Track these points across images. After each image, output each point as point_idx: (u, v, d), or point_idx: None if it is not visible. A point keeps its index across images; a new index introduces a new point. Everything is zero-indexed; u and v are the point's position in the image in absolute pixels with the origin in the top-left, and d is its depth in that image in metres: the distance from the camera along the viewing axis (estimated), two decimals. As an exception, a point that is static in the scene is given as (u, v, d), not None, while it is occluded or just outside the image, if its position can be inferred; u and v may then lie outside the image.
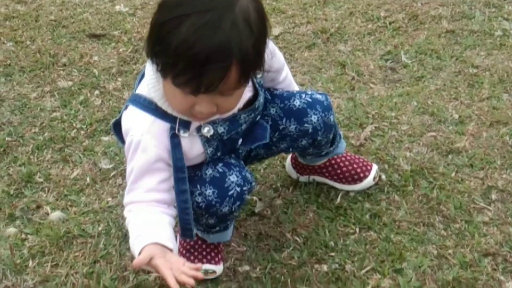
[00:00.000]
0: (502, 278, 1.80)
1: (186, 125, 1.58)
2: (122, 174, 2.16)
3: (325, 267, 1.85)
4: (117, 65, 2.76)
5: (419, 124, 2.34)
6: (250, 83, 1.63)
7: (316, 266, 1.85)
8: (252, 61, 1.45)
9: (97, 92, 2.60)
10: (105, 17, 3.13)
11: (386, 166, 2.16)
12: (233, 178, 1.64)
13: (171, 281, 1.40)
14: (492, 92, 2.48)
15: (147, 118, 1.57)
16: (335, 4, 3.12)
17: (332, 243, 1.91)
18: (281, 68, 1.86)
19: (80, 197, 2.10)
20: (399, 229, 1.95)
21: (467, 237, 1.91)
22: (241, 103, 1.62)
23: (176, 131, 1.57)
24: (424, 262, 1.84)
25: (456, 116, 2.37)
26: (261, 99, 1.70)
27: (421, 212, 2.00)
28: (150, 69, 1.55)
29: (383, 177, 2.12)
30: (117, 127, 1.68)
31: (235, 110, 1.61)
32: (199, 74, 1.40)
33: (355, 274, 1.82)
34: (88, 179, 2.17)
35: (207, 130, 1.61)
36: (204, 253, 1.83)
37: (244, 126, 1.68)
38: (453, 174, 2.12)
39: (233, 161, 1.69)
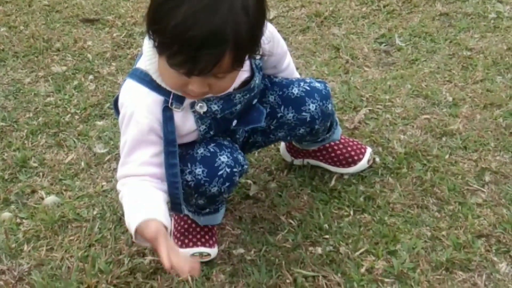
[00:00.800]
0: (495, 259, 1.80)
1: (180, 99, 1.58)
2: (117, 159, 2.16)
3: (319, 250, 1.85)
4: (111, 49, 2.76)
5: (413, 107, 2.34)
6: (247, 64, 1.63)
7: (311, 248, 1.86)
8: (247, 47, 1.46)
9: (91, 77, 2.60)
10: (98, 1, 3.12)
11: (380, 149, 2.17)
12: (223, 158, 1.65)
13: (167, 265, 1.41)
14: (486, 75, 2.49)
15: (142, 90, 1.57)
16: (329, -13, 3.12)
17: (326, 225, 1.92)
18: (283, 54, 1.86)
19: (74, 182, 2.10)
20: (393, 211, 1.96)
21: (460, 219, 1.92)
22: (236, 83, 1.62)
23: (169, 105, 1.57)
24: (418, 244, 1.85)
25: (450, 98, 2.38)
26: (257, 80, 1.70)
27: (415, 194, 2.00)
28: (147, 42, 1.55)
29: (377, 159, 2.12)
30: (117, 104, 1.68)
31: (231, 89, 1.61)
32: (193, 57, 1.40)
33: (349, 256, 1.83)
34: (82, 164, 2.17)
35: (200, 107, 1.61)
36: (199, 236, 1.83)
37: (239, 107, 1.68)
38: (447, 157, 2.12)
39: (226, 142, 1.69)
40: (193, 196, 1.69)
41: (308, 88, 1.82)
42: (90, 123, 2.34)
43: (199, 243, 1.83)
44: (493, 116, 2.27)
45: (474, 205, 1.96)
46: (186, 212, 1.83)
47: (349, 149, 2.06)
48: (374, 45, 2.71)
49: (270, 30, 1.70)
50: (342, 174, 2.08)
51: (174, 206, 1.66)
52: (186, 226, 1.85)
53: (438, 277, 1.77)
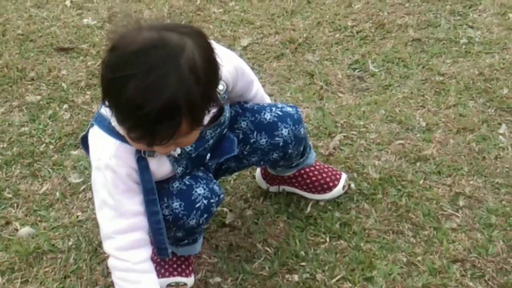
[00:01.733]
0: (471, 284, 1.82)
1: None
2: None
3: (296, 277, 1.85)
4: (86, 78, 2.75)
5: (387, 132, 2.36)
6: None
7: (287, 276, 1.86)
8: (202, 108, 1.44)
9: (65, 106, 2.59)
10: (73, 30, 3.12)
11: (355, 174, 2.18)
12: (200, 190, 1.65)
13: None
14: (459, 99, 2.51)
15: (112, 142, 1.56)
16: (303, 14, 3.14)
17: (302, 252, 1.92)
18: (249, 83, 1.86)
19: (49, 212, 2.09)
20: (369, 237, 1.97)
21: (436, 244, 1.93)
22: (206, 119, 1.61)
23: (142, 154, 1.57)
24: (394, 270, 1.85)
25: (424, 123, 2.40)
26: (226, 113, 1.70)
27: (391, 220, 2.01)
28: None
29: (353, 185, 2.13)
30: (85, 141, 1.67)
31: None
32: (151, 132, 1.40)
33: (326, 283, 1.83)
34: (57, 194, 2.16)
35: (174, 150, 1.60)
36: (175, 265, 1.83)
37: (211, 142, 1.69)
38: (421, 182, 2.14)
39: (200, 173, 1.69)
40: (171, 229, 1.69)
41: (280, 113, 1.83)
42: (65, 153, 2.33)
43: (175, 272, 1.82)
44: (466, 141, 2.30)
45: (449, 230, 1.97)
46: None
47: (324, 175, 2.07)
48: (348, 71, 2.73)
49: (233, 65, 1.70)
50: (317, 201, 2.08)
51: (160, 251, 1.67)
52: None
53: (414, 303, 1.78)
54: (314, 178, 2.07)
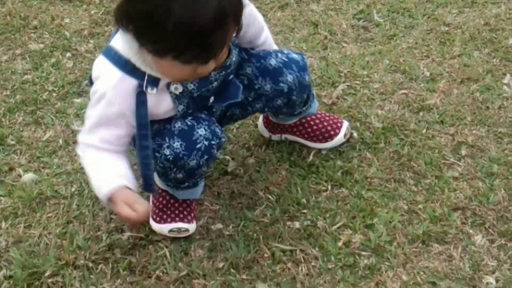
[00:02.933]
0: (471, 231, 1.82)
1: (154, 82, 1.58)
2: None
3: (297, 224, 1.86)
4: (89, 27, 2.74)
5: (390, 82, 2.35)
6: None
7: (288, 223, 1.87)
8: (240, 10, 1.49)
9: (69, 54, 2.58)
10: (76, -21, 3.09)
11: (358, 124, 2.18)
12: (201, 131, 1.65)
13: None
14: (463, 50, 2.50)
15: (116, 73, 1.57)
16: (308, -37, 3.11)
17: (304, 200, 1.93)
18: (260, 30, 1.86)
19: (52, 159, 2.10)
20: (371, 185, 1.97)
21: (437, 192, 1.94)
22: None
23: (144, 88, 1.57)
24: (394, 217, 1.86)
25: (428, 73, 2.39)
26: (233, 57, 1.70)
27: (392, 169, 2.02)
28: (122, 32, 1.54)
29: (355, 134, 2.13)
30: (92, 79, 1.67)
31: None
32: (206, 46, 1.42)
33: (327, 230, 1.84)
34: (60, 141, 2.16)
35: (175, 88, 1.61)
36: (177, 211, 1.84)
37: (215, 84, 1.68)
38: (424, 131, 2.14)
39: (203, 115, 1.69)
40: (171, 170, 1.69)
41: (285, 59, 1.82)
42: (68, 101, 2.33)
43: (177, 218, 1.83)
44: (470, 91, 2.29)
45: (451, 178, 1.98)
46: (164, 187, 1.84)
47: (325, 124, 2.07)
48: (353, 21, 2.71)
49: (247, 9, 1.69)
50: (320, 149, 2.08)
51: (146, 186, 1.70)
52: (164, 202, 1.86)
53: (414, 249, 1.79)
54: (315, 127, 2.07)
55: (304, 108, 1.99)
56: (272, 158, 2.07)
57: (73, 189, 1.99)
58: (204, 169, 1.73)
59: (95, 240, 1.83)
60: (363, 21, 2.71)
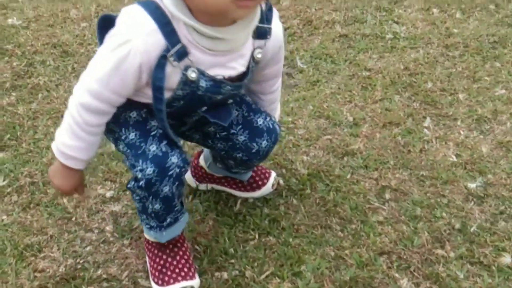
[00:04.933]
0: (397, 275, 1.85)
1: (181, 56, 1.53)
2: (18, 191, 2.12)
3: (225, 274, 1.86)
4: (11, 79, 2.70)
5: (315, 128, 2.38)
6: (247, 59, 1.64)
7: (217, 273, 1.86)
8: None
9: (-10, 107, 2.54)
10: (-3, 30, 3.06)
11: (284, 170, 2.20)
12: (174, 159, 1.63)
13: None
14: (385, 94, 2.55)
15: (150, 24, 1.49)
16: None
17: (232, 250, 1.93)
18: (276, 75, 1.85)
19: (-26, 217, 2.05)
20: (298, 232, 1.98)
21: (363, 237, 1.96)
22: (233, 72, 1.61)
23: (168, 55, 1.51)
24: (322, 264, 1.87)
25: (351, 118, 2.43)
26: (247, 81, 1.69)
27: (319, 215, 2.03)
28: None
29: (281, 182, 2.15)
30: (103, 23, 1.62)
31: (226, 75, 1.61)
32: None
33: (255, 280, 1.84)
34: (-18, 198, 2.11)
35: (192, 71, 1.56)
36: (177, 270, 1.79)
37: (220, 97, 1.66)
38: (348, 176, 2.17)
39: (177, 142, 1.68)
40: (147, 200, 1.68)
41: (270, 126, 1.83)
42: (-11, 156, 2.29)
43: (179, 278, 1.79)
44: (392, 135, 2.34)
45: (376, 223, 2.00)
46: (151, 236, 1.82)
47: (253, 174, 2.08)
48: (276, 68, 2.74)
49: (279, 45, 1.73)
50: (247, 198, 2.09)
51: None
52: (162, 262, 1.82)
53: (342, 296, 1.80)
54: (243, 177, 2.08)
55: (258, 163, 2.00)
56: (199, 208, 2.07)
57: (-5, 248, 1.94)
58: (176, 195, 1.71)
59: (18, 300, 1.78)
60: (287, 68, 2.75)
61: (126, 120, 1.68)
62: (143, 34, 1.49)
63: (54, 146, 1.65)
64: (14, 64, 2.81)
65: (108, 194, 2.11)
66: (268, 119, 1.83)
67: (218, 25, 1.52)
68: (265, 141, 1.83)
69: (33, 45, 2.95)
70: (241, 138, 1.82)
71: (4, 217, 2.04)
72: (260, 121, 1.82)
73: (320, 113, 2.47)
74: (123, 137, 1.67)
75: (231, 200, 2.09)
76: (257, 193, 2.09)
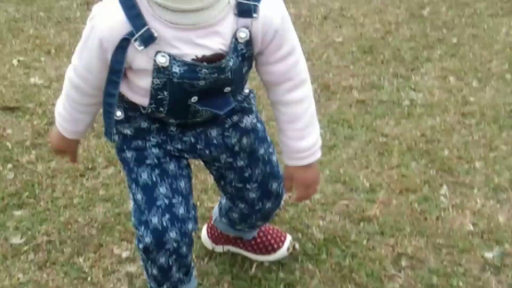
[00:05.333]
0: None
1: (147, 41, 1.49)
2: (34, 249, 2.13)
3: None
4: (31, 137, 2.74)
5: (331, 193, 2.39)
6: (227, 39, 1.53)
7: (231, 338, 1.85)
8: None
9: (9, 165, 2.56)
10: (19, 89, 3.11)
11: (299, 235, 2.20)
12: (172, 235, 1.64)
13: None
14: (401, 160, 2.56)
15: (113, 5, 1.49)
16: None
17: (246, 314, 1.92)
18: (289, 72, 1.66)
19: (-10, 274, 2.06)
20: (313, 298, 1.98)
21: (379, 304, 1.95)
22: (208, 52, 1.51)
23: (133, 39, 1.48)
24: (337, 331, 1.86)
25: (367, 184, 2.44)
26: (230, 62, 1.54)
27: (334, 281, 2.03)
28: None
29: (297, 246, 2.14)
30: None
31: (199, 55, 1.52)
32: None
33: None
34: (-2, 255, 2.12)
35: (162, 56, 1.50)
36: None
37: (202, 83, 1.54)
38: (364, 242, 2.16)
39: (181, 210, 1.66)
40: (147, 262, 1.70)
41: (280, 192, 1.87)
42: (8, 213, 2.30)
43: None
44: (408, 201, 2.34)
45: (391, 290, 1.99)
46: None
47: (269, 237, 2.08)
48: (294, 132, 2.76)
49: (275, 28, 1.56)
50: (262, 262, 2.09)
51: (106, 133, 1.69)
52: None
53: None
54: (259, 240, 2.08)
55: (260, 223, 2.01)
56: (214, 270, 2.07)
57: (10, 306, 1.94)
58: (174, 268, 1.71)
59: None
60: (304, 132, 2.77)
61: (136, 179, 1.69)
62: (104, 13, 1.51)
63: (57, 120, 1.76)
64: (35, 122, 2.85)
65: (124, 255, 2.12)
66: (282, 184, 1.85)
67: None
68: (269, 204, 1.86)
69: (54, 104, 2.95)
70: (252, 195, 1.84)
71: (20, 275, 2.05)
72: (274, 185, 1.84)
73: (336, 178, 2.48)
74: (133, 191, 1.70)
75: (247, 263, 2.09)
76: (273, 257, 2.08)
